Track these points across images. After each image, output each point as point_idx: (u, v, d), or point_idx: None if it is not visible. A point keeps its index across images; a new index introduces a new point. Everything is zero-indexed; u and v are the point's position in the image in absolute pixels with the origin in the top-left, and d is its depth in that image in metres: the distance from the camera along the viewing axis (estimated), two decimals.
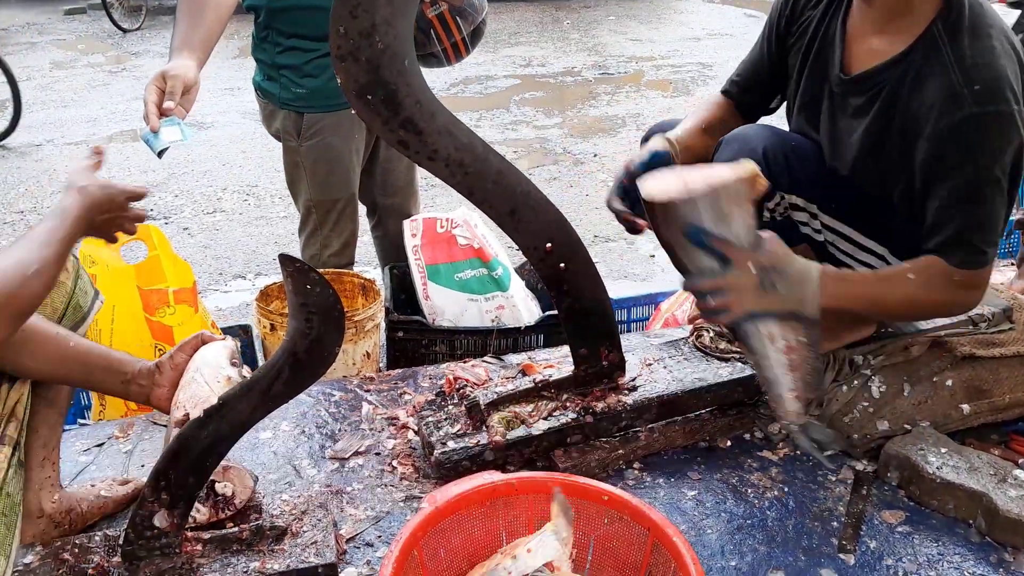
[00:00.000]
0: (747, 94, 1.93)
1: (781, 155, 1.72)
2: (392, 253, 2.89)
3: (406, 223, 2.70)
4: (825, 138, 1.74)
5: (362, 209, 2.76)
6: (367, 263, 3.43)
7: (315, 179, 2.50)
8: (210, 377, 1.31)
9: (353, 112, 2.35)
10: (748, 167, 1.42)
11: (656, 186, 1.43)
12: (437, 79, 6.71)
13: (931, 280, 1.56)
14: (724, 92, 1.95)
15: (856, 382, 1.78)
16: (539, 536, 1.25)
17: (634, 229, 1.72)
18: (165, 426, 1.87)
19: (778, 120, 1.91)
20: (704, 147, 1.86)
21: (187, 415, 1.27)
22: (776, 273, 1.46)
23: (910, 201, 1.61)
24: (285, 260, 1.25)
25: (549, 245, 1.62)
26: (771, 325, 1.48)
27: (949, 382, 1.79)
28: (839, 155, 1.71)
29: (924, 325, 1.93)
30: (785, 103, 1.90)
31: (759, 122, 1.91)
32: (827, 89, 1.71)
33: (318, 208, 2.56)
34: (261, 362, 2.50)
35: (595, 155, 5.26)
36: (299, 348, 1.28)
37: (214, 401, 1.27)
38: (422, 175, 4.55)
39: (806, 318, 1.49)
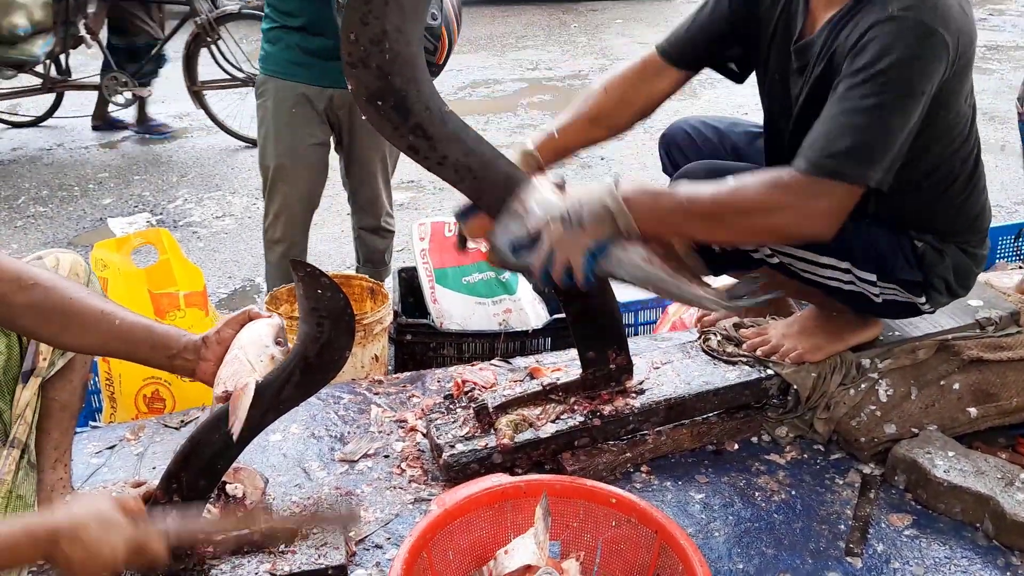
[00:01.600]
0: (691, 52, 1.79)
1: None
2: (358, 243, 2.96)
3: (414, 226, 2.72)
4: (794, 111, 1.68)
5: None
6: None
7: (259, 142, 2.70)
8: (253, 355, 1.30)
9: (298, 85, 2.55)
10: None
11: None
12: (444, 83, 6.73)
13: (767, 181, 1.43)
14: (661, 51, 1.80)
15: (863, 385, 1.78)
16: (519, 539, 1.27)
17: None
18: (176, 428, 1.89)
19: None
20: (586, 139, 1.82)
21: (227, 392, 1.27)
22: (574, 213, 1.45)
23: None
24: (296, 265, 1.26)
25: None
26: (620, 253, 1.48)
27: (956, 385, 1.80)
28: (792, 125, 1.66)
29: (930, 328, 1.93)
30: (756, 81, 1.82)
31: (701, 160, 1.84)
32: (790, 65, 1.67)
33: (261, 173, 2.72)
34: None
35: (602, 158, 5.26)
36: (310, 352, 1.29)
37: (254, 379, 1.27)
38: (430, 179, 4.55)
39: (636, 234, 1.47)
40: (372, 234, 2.94)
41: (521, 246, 1.51)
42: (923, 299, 1.72)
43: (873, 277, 1.68)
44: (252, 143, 5.24)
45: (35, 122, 5.69)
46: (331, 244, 3.88)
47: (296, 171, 2.64)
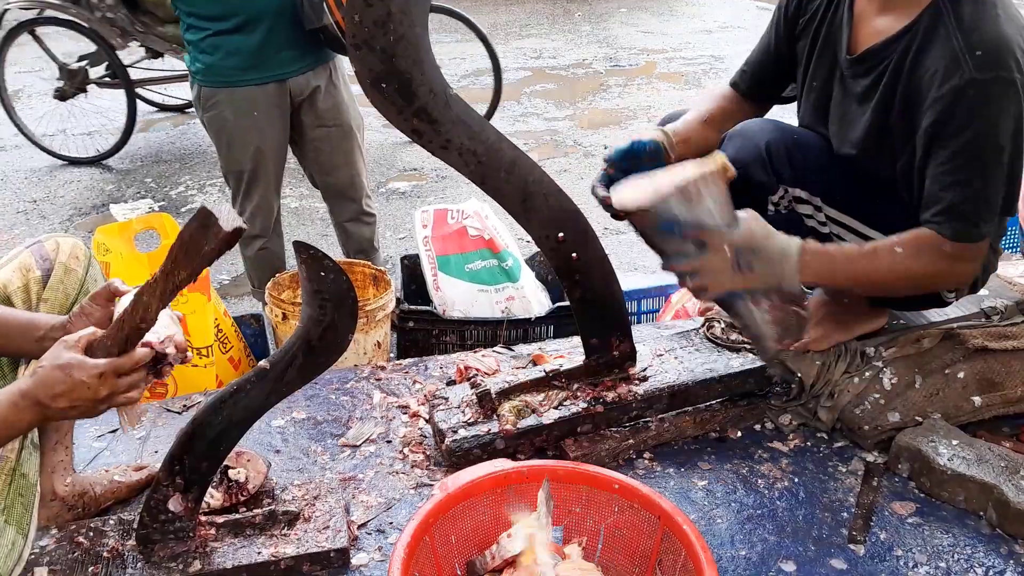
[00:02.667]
0: (756, 85, 1.90)
1: (783, 148, 1.71)
2: (343, 238, 2.93)
3: (417, 213, 2.71)
4: (835, 124, 1.73)
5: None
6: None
7: (220, 150, 2.67)
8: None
9: (255, 88, 2.52)
10: (715, 160, 1.49)
11: (628, 194, 1.50)
12: (447, 71, 6.70)
13: (920, 252, 1.53)
14: (732, 84, 1.92)
15: (868, 374, 1.78)
16: (521, 523, 1.27)
17: (616, 216, 1.67)
18: (178, 413, 1.89)
19: (788, 115, 1.90)
20: (704, 139, 1.84)
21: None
22: (752, 253, 1.48)
23: (911, 177, 1.59)
24: (299, 247, 1.26)
25: (561, 235, 1.62)
26: (756, 305, 1.52)
27: (961, 374, 1.79)
28: (847, 139, 1.70)
29: (936, 317, 1.93)
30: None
31: (764, 116, 1.90)
32: (837, 74, 1.70)
33: (228, 177, 2.71)
34: (273, 351, 2.51)
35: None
36: (313, 335, 1.29)
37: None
38: (435, 165, 4.53)
39: (787, 292, 1.51)
40: (356, 223, 2.88)
41: (674, 233, 1.48)
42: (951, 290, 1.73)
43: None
44: None
45: (182, 108, 5.61)
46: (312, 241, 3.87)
47: (267, 169, 2.64)
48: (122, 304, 1.29)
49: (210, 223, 1.08)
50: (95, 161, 4.80)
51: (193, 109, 5.48)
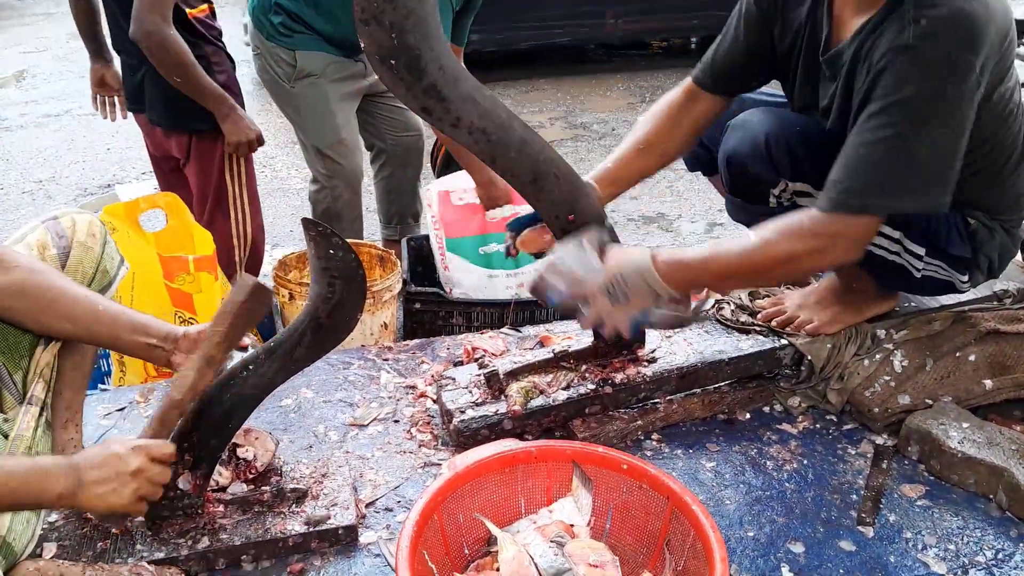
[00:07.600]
0: (725, 78, 1.81)
1: (784, 141, 1.68)
2: (400, 202, 2.92)
3: (423, 192, 2.70)
4: (824, 119, 1.68)
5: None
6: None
7: (307, 122, 2.63)
8: None
9: (347, 60, 2.50)
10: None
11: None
12: None
13: (792, 233, 1.46)
14: (695, 80, 1.83)
15: (878, 356, 1.77)
16: (561, 501, 1.28)
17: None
18: None
19: None
20: (640, 171, 1.84)
21: None
22: (620, 285, 1.51)
23: None
24: (308, 224, 1.25)
25: (571, 215, 1.60)
26: (658, 314, 1.55)
27: (972, 357, 1.78)
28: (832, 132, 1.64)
29: (947, 300, 1.91)
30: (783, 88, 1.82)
31: (764, 107, 1.83)
32: (821, 73, 1.66)
33: (320, 148, 2.67)
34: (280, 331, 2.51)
35: (614, 130, 5.22)
36: (321, 312, 1.28)
37: None
38: None
39: (672, 297, 1.53)
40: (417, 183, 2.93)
41: (567, 304, 1.55)
42: (965, 277, 1.71)
43: (922, 251, 1.66)
44: None
45: None
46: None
47: (356, 133, 2.67)
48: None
49: (261, 295, 1.29)
50: None
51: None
